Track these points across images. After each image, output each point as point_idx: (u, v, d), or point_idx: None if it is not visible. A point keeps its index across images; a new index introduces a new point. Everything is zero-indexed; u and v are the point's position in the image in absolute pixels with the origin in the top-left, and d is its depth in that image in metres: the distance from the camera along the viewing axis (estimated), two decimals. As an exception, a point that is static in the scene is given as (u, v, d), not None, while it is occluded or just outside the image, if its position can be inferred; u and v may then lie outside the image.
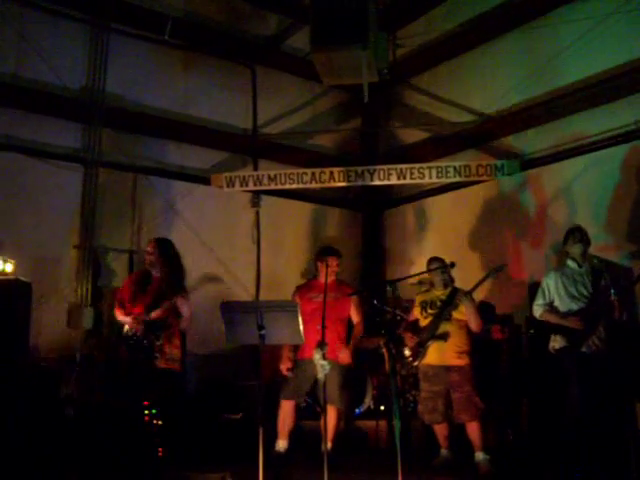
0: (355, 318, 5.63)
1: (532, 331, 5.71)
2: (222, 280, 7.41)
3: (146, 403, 4.97)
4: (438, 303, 5.35)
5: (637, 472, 4.21)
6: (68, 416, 5.40)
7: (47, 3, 6.59)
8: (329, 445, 5.12)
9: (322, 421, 4.71)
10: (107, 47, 6.91)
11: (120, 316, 5.34)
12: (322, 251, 5.65)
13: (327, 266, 5.34)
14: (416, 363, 5.32)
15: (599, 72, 6.31)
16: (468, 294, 5.23)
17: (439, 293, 5.42)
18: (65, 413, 5.41)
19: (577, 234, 5.17)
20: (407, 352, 5.38)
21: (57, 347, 6.25)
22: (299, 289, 5.70)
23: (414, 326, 5.51)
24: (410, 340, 5.39)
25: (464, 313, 5.24)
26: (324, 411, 4.61)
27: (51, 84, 6.55)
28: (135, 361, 5.10)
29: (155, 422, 5.00)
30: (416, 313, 5.53)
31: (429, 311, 5.38)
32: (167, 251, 5.40)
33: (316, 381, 5.12)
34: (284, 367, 5.39)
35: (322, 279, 5.24)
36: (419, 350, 5.29)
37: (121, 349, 5.27)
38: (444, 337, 5.20)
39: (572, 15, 6.51)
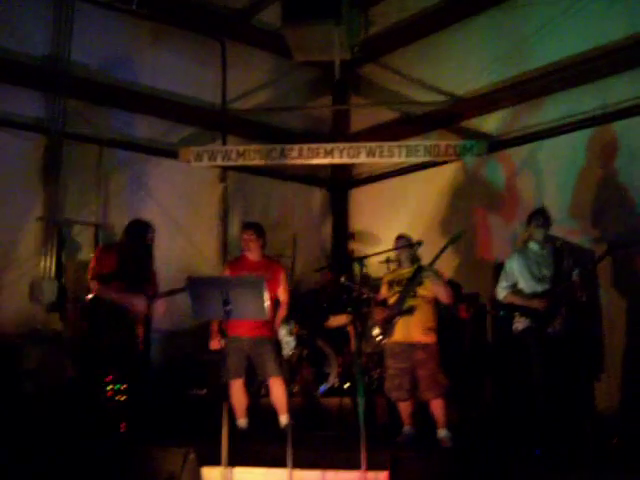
0: (282, 298, 5.52)
1: (502, 313, 5.72)
2: (188, 255, 7.35)
3: (110, 378, 4.90)
4: (404, 281, 5.34)
5: (594, 448, 4.31)
6: (27, 391, 5.31)
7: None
8: (287, 417, 5.19)
9: (271, 395, 4.72)
10: (72, 15, 6.72)
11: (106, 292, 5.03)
12: (242, 225, 5.66)
13: (243, 240, 5.40)
14: (385, 341, 5.31)
15: (568, 56, 6.35)
16: (431, 267, 5.21)
17: (405, 271, 5.42)
18: (23, 388, 5.32)
19: (540, 217, 5.21)
20: (376, 330, 5.38)
21: (18, 321, 6.15)
22: (229, 264, 5.65)
23: (383, 304, 5.51)
24: (379, 314, 5.40)
25: (430, 289, 5.24)
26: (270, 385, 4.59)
27: (13, 51, 6.37)
28: (119, 337, 4.99)
29: (119, 397, 4.94)
30: (384, 292, 5.53)
31: (395, 288, 5.37)
32: None
33: (250, 358, 5.23)
34: (213, 343, 5.34)
35: (250, 256, 5.36)
36: (387, 327, 5.30)
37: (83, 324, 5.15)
38: (410, 311, 5.19)
39: (544, -3, 6.54)
